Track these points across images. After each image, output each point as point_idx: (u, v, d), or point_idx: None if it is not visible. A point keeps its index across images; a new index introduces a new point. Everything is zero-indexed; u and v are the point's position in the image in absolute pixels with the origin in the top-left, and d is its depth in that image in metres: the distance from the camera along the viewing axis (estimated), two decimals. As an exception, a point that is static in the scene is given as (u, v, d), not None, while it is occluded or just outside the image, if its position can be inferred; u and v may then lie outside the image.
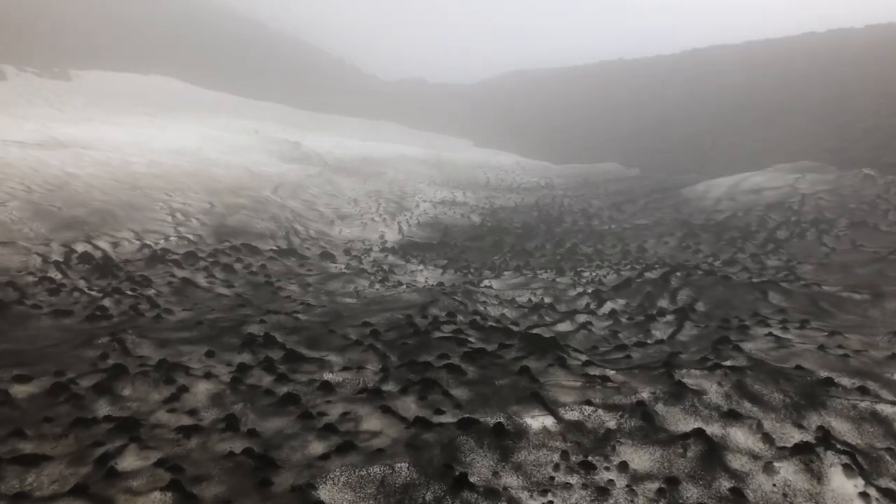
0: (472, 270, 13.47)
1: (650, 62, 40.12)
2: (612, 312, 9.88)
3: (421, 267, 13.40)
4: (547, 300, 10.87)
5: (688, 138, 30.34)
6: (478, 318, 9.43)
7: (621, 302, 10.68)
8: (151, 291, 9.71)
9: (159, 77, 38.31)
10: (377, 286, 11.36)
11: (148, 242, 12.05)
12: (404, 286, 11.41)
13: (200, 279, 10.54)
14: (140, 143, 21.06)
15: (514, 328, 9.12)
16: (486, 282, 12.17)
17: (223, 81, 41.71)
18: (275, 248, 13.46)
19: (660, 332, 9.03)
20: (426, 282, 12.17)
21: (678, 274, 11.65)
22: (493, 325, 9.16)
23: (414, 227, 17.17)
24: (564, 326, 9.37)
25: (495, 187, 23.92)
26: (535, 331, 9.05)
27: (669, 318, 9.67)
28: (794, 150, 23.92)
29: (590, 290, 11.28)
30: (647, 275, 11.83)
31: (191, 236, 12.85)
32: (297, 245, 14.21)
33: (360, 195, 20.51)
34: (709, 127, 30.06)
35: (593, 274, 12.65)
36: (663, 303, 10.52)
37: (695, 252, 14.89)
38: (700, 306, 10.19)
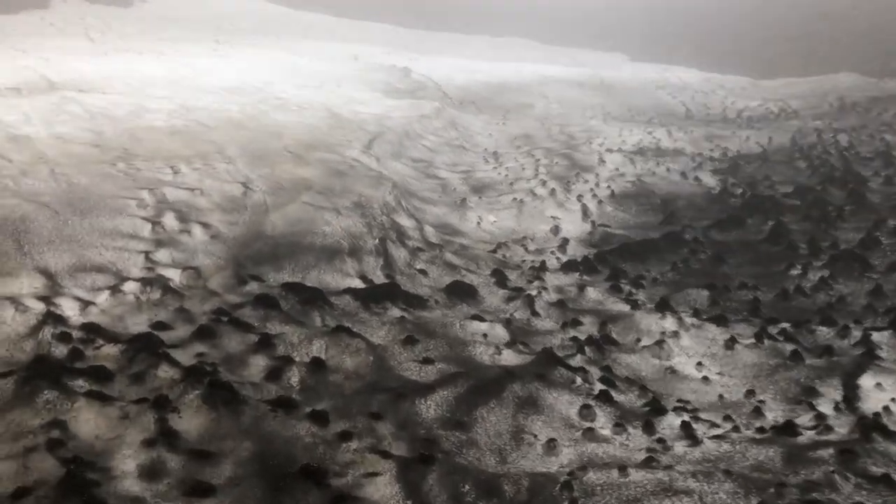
0: (785, 330, 5.91)
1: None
2: None
3: (673, 324, 5.97)
4: None
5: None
6: None
7: None
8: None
9: (246, -2, 31.88)
10: (597, 447, 4.13)
11: (61, 308, 5.30)
12: (670, 455, 4.13)
13: (130, 464, 3.69)
14: (182, 79, 14.56)
15: None
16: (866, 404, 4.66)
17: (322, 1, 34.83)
18: (356, 283, 6.48)
19: None
20: (718, 397, 4.83)
21: None
22: None
23: (608, 205, 9.63)
24: None
25: (706, 119, 15.62)
26: None
27: None
28: None
29: None
30: None
31: (175, 276, 6.02)
32: (401, 265, 7.14)
33: (501, 143, 13.10)
34: None
35: None
36: None
37: None
38: None
